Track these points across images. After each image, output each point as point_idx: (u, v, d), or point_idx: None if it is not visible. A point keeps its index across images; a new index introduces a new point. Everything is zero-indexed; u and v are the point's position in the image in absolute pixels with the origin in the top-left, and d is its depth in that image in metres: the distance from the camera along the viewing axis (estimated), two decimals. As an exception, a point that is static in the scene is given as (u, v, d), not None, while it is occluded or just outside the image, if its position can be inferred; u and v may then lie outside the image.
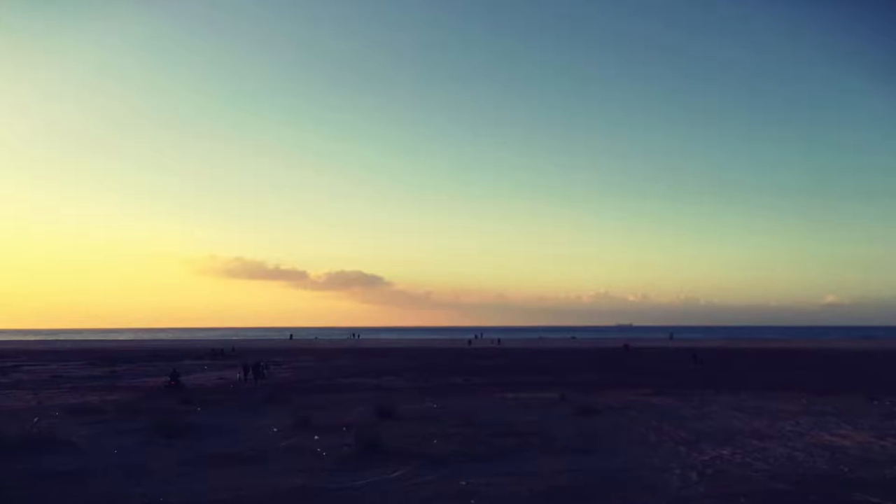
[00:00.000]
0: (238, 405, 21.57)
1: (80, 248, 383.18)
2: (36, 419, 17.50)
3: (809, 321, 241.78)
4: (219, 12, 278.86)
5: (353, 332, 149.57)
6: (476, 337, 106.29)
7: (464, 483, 10.60)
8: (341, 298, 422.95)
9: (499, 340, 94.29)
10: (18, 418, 17.73)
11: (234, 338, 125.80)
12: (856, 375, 32.80)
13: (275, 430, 16.13)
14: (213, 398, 23.70)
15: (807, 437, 14.70)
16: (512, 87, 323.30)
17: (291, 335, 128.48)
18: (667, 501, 9.46)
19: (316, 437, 14.76)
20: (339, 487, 10.43)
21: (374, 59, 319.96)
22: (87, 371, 40.77)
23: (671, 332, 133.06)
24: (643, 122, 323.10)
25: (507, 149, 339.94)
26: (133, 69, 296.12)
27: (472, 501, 9.53)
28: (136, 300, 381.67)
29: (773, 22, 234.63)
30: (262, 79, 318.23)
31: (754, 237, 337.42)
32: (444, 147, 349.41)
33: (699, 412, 18.91)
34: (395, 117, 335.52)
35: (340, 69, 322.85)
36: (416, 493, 10.03)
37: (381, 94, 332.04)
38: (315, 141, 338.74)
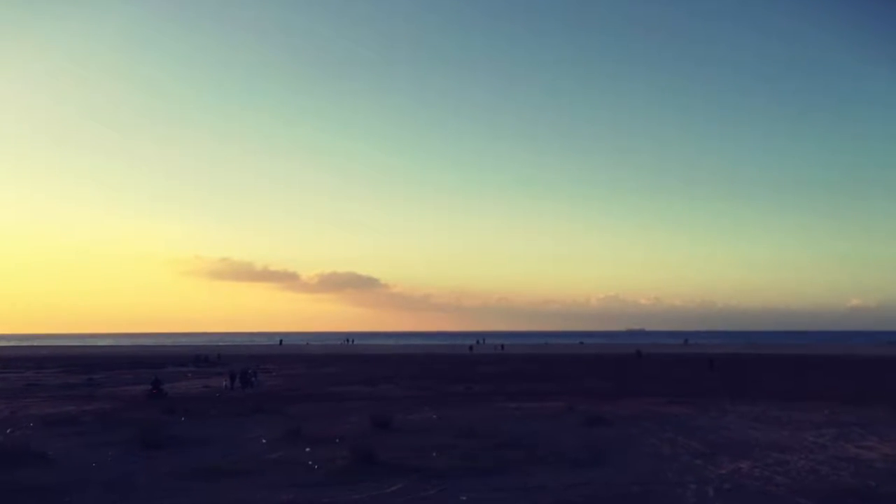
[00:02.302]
0: (224, 415, 21.58)
1: (56, 248, 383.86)
2: (9, 430, 17.51)
3: (833, 326, 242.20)
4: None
5: (347, 337, 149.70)
6: (478, 342, 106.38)
7: (464, 498, 10.61)
8: (334, 301, 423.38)
9: (502, 346, 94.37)
10: (-10, 429, 17.72)
11: (220, 343, 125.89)
12: (882, 383, 32.81)
13: (264, 441, 16.14)
14: (197, 408, 23.70)
15: (830, 449, 14.72)
16: (515, 76, 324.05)
17: (281, 340, 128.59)
18: (681, 518, 9.46)
19: (307, 450, 14.77)
20: (333, 502, 10.44)
21: (369, 47, 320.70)
22: (64, 379, 40.78)
23: (686, 337, 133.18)
24: (655, 113, 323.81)
25: (510, 142, 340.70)
26: (114, 59, 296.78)
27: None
28: (116, 303, 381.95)
29: (793, 6, 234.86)
30: (250, 69, 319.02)
31: (774, 236, 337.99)
32: (443, 140, 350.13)
33: (716, 423, 18.92)
34: (392, 109, 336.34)
35: (333, 59, 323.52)
36: (415, 509, 10.03)
37: (377, 85, 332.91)
38: (307, 135, 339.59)
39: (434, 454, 14.21)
